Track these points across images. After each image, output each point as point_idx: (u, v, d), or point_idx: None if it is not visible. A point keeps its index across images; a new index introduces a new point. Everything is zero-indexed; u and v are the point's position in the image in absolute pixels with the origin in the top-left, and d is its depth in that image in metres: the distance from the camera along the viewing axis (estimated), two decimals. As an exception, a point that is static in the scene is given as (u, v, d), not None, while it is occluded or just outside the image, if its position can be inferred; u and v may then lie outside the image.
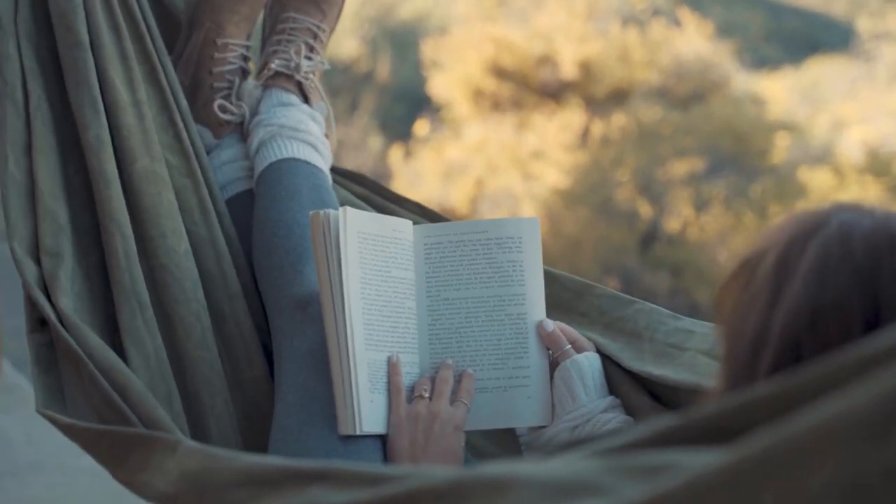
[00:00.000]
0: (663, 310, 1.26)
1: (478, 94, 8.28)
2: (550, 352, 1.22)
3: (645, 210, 7.65)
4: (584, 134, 8.08)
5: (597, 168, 7.81)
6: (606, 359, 1.22)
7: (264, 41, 1.59)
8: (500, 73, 8.27)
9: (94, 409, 1.19)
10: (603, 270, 7.31)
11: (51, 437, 3.08)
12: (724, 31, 9.02)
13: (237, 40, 1.53)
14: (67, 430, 1.16)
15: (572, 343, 1.21)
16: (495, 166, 7.86)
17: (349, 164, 7.83)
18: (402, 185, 7.79)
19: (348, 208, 1.19)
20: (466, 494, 0.53)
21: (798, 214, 0.71)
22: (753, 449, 0.43)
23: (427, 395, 1.19)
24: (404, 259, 1.24)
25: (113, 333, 1.28)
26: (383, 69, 8.91)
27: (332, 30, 1.59)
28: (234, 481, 0.81)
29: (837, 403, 0.41)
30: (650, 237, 7.68)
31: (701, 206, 7.63)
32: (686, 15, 8.92)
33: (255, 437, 1.31)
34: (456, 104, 8.37)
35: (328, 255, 1.17)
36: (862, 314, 0.64)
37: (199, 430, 1.28)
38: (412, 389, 1.21)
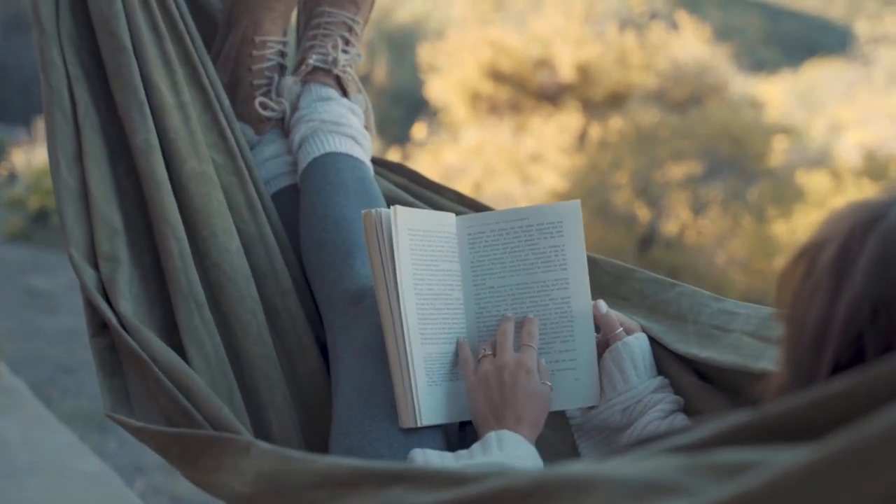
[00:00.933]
0: (705, 292, 1.27)
1: (475, 98, 8.29)
2: (600, 334, 1.23)
3: (642, 213, 7.66)
4: (582, 137, 8.08)
5: (594, 171, 7.82)
6: (652, 340, 1.22)
7: (300, 37, 1.60)
8: (497, 76, 8.28)
9: (161, 411, 1.19)
10: (600, 273, 7.31)
11: (48, 440, 3.09)
12: (722, 34, 9.04)
13: (274, 37, 1.54)
14: (138, 433, 1.16)
15: (621, 324, 1.22)
16: (493, 169, 7.87)
17: (347, 167, 7.85)
18: (399, 188, 7.80)
19: (398, 207, 1.20)
20: (551, 494, 0.53)
21: (857, 204, 0.71)
22: (837, 447, 0.43)
23: (490, 351, 1.20)
24: (450, 251, 1.26)
25: (172, 334, 1.29)
26: (381, 72, 8.91)
27: (367, 22, 1.59)
28: (311, 482, 0.82)
29: None
30: (648, 240, 7.68)
31: (698, 209, 7.64)
32: (683, 18, 8.92)
33: (314, 429, 1.32)
34: (453, 107, 8.37)
35: (381, 252, 1.19)
36: None
37: (259, 425, 1.29)
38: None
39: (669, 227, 7.63)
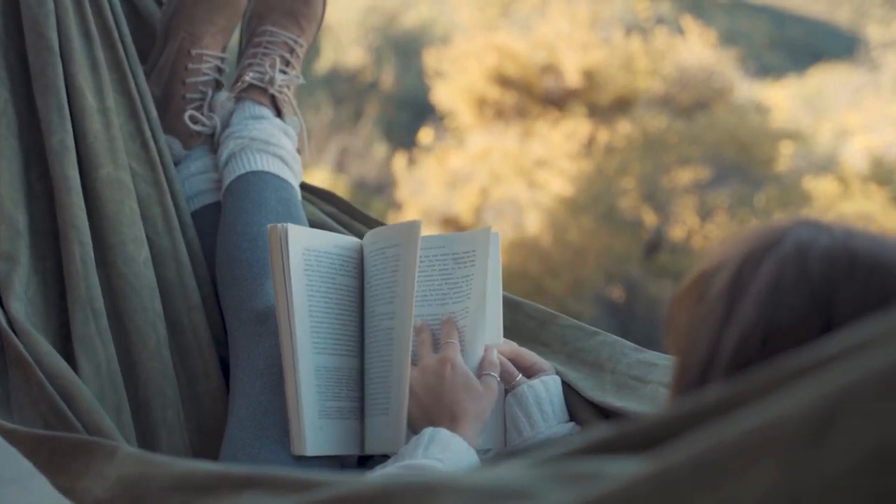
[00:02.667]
0: (626, 342, 1.25)
1: (481, 103, 8.29)
2: (500, 381, 1.20)
3: (649, 218, 7.64)
4: (589, 142, 8.08)
5: (601, 176, 7.81)
6: (567, 386, 1.21)
7: (240, 54, 1.58)
8: (503, 81, 8.27)
9: (41, 416, 1.17)
10: (607, 279, 7.31)
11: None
12: (728, 39, 9.02)
13: (212, 51, 1.52)
14: (9, 436, 1.13)
15: (531, 366, 1.20)
16: (499, 175, 7.86)
17: (353, 171, 7.85)
18: (406, 193, 7.80)
19: (290, 225, 1.19)
20: (394, 499, 0.53)
21: (755, 228, 0.68)
22: (680, 456, 0.42)
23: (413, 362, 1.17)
24: (352, 270, 1.24)
25: (66, 341, 1.26)
26: (388, 78, 8.92)
27: (310, 45, 1.57)
28: (168, 486, 0.81)
29: (770, 409, 0.40)
30: (654, 246, 7.67)
31: (705, 214, 7.62)
32: (689, 23, 8.92)
33: (208, 450, 1.30)
34: (460, 113, 8.37)
35: (282, 266, 1.18)
36: (817, 337, 0.61)
37: (148, 442, 1.27)
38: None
39: (676, 233, 7.62)
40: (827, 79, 8.96)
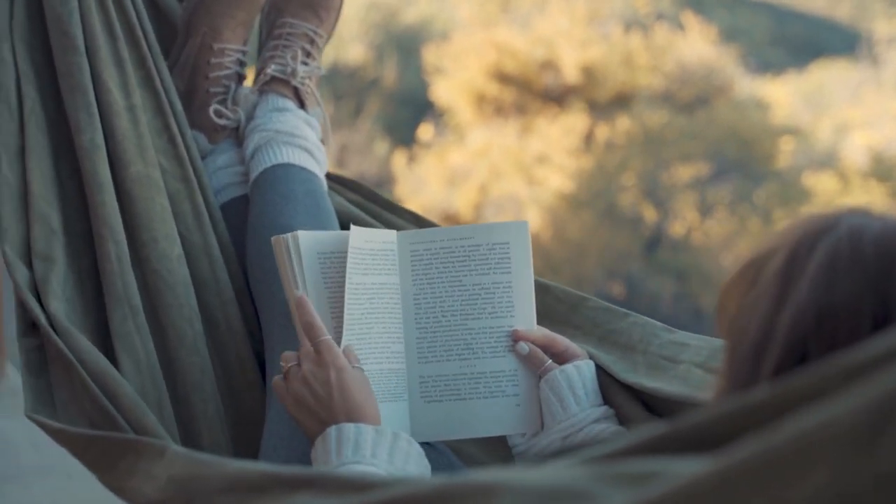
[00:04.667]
0: (657, 323, 1.26)
1: (481, 100, 8.29)
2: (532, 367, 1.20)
3: (649, 215, 7.65)
4: (588, 138, 8.08)
5: (601, 173, 7.81)
6: (600, 369, 1.21)
7: (261, 46, 1.58)
8: (503, 77, 8.27)
9: (85, 415, 1.18)
10: (607, 275, 7.31)
11: (55, 442, 3.09)
12: (728, 35, 9.02)
13: (233, 45, 1.53)
14: (56, 435, 1.15)
15: (563, 351, 1.20)
16: (499, 171, 7.86)
17: (354, 168, 7.84)
18: (405, 190, 7.80)
19: (299, 232, 1.16)
20: (452, 500, 0.53)
21: (807, 217, 0.70)
22: (739, 458, 0.43)
23: (293, 362, 1.11)
24: (384, 266, 1.21)
25: (104, 338, 1.27)
26: (388, 74, 8.92)
27: (330, 35, 1.58)
28: (221, 487, 0.81)
29: (824, 411, 0.40)
30: (654, 242, 7.67)
31: (705, 210, 7.62)
32: (689, 19, 8.92)
33: (247, 443, 1.30)
34: (459, 109, 8.37)
35: (297, 275, 1.15)
36: (871, 316, 0.63)
37: (189, 436, 1.27)
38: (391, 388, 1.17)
39: (676, 229, 7.62)
40: (827, 75, 8.97)
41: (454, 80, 8.45)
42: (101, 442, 1.07)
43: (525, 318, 1.21)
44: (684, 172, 7.72)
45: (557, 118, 8.15)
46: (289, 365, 1.11)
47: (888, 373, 0.41)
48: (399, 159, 8.26)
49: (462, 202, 7.69)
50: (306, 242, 1.15)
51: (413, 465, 1.04)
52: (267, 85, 1.51)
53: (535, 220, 7.30)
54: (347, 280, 1.14)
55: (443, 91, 8.48)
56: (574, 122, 8.08)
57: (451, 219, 7.42)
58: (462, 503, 0.52)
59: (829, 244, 0.66)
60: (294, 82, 1.51)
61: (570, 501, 0.47)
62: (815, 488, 0.39)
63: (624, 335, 1.25)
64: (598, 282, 7.10)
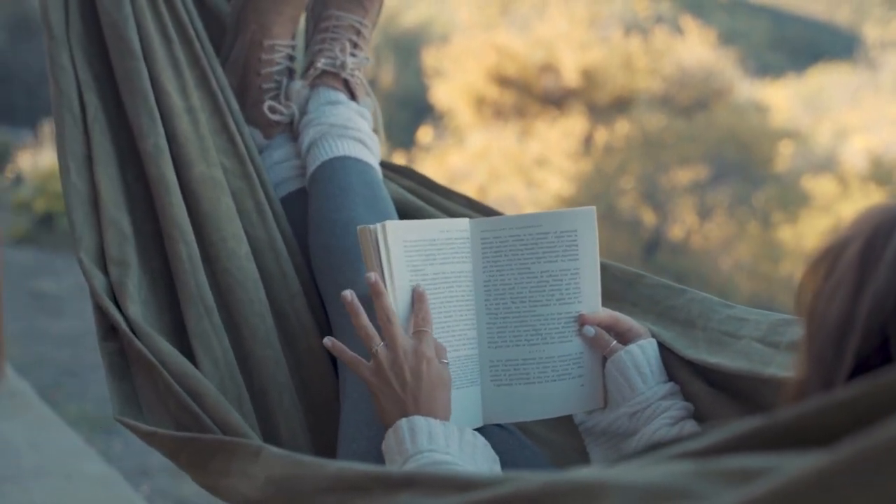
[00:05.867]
0: (715, 298, 1.26)
1: (480, 102, 8.29)
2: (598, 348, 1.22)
3: (648, 218, 7.66)
4: (587, 141, 8.08)
5: (600, 175, 7.82)
6: (661, 346, 1.21)
7: (308, 40, 1.59)
8: (502, 80, 8.28)
9: (171, 415, 1.19)
10: (606, 278, 7.30)
11: (54, 443, 3.09)
12: (728, 38, 9.03)
13: (283, 41, 1.54)
14: (148, 438, 1.16)
15: (627, 331, 1.20)
16: (498, 174, 7.87)
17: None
18: (405, 192, 7.80)
19: (388, 222, 1.17)
20: (561, 499, 0.53)
21: (881, 205, 0.71)
22: (849, 453, 0.43)
23: (383, 343, 1.12)
24: (459, 254, 1.23)
25: (181, 339, 1.28)
26: (387, 77, 8.92)
27: (375, 25, 1.59)
28: (321, 487, 0.81)
29: None
30: (653, 245, 7.68)
31: (704, 213, 7.63)
32: (689, 23, 8.92)
33: (323, 432, 1.32)
34: (458, 112, 8.38)
35: (384, 264, 1.16)
36: None
37: (268, 428, 1.29)
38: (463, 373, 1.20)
39: (675, 232, 7.63)
40: (826, 78, 8.97)
41: (453, 83, 8.46)
42: (193, 444, 1.08)
43: (591, 303, 1.22)
44: (683, 176, 7.73)
45: (557, 121, 8.16)
46: (375, 347, 1.12)
47: None
48: (398, 161, 8.26)
49: (461, 205, 7.69)
50: (393, 232, 1.17)
51: (481, 456, 1.06)
52: (318, 79, 1.53)
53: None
54: (425, 270, 1.18)
55: (442, 94, 8.49)
56: (573, 124, 8.08)
57: (450, 221, 7.42)
58: (566, 501, 0.52)
59: None
60: (344, 74, 1.52)
61: (676, 500, 0.48)
62: None
63: (683, 311, 1.26)
64: (596, 284, 7.09)
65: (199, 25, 1.45)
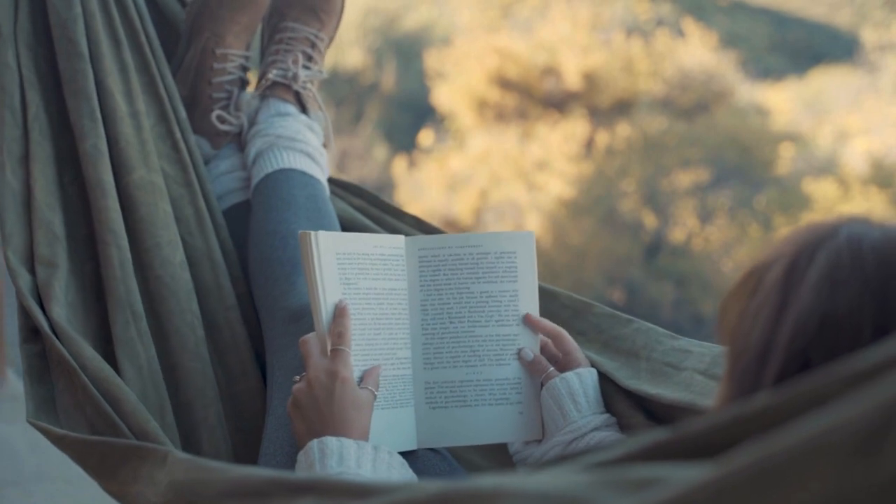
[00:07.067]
0: (660, 329, 1.26)
1: (482, 105, 8.29)
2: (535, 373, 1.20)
3: (649, 221, 7.65)
4: (589, 144, 8.08)
5: (601, 179, 7.81)
6: (602, 376, 1.21)
7: (263, 51, 1.58)
8: (504, 83, 8.28)
9: (87, 421, 1.17)
10: (607, 281, 7.31)
11: (55, 447, 3.08)
12: (728, 41, 9.03)
13: (236, 50, 1.53)
14: (59, 442, 1.14)
15: (567, 353, 1.20)
16: (499, 177, 7.87)
17: (354, 174, 7.84)
18: (405, 195, 7.80)
19: (321, 232, 1.15)
20: None
21: (806, 226, 0.70)
22: (740, 463, 0.42)
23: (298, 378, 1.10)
24: (393, 271, 1.20)
25: (106, 344, 1.27)
26: (388, 79, 8.93)
27: (331, 39, 1.58)
28: (222, 492, 0.80)
29: (826, 417, 0.40)
30: (655, 248, 7.67)
31: (705, 216, 7.62)
32: (690, 25, 8.92)
33: (248, 449, 1.30)
34: (460, 115, 8.38)
35: (316, 273, 1.14)
36: (872, 324, 0.63)
37: (191, 442, 1.27)
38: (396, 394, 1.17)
39: (676, 235, 7.62)
40: (827, 81, 8.97)
41: (455, 86, 8.46)
42: (103, 448, 1.07)
43: (530, 327, 1.21)
44: (684, 178, 7.72)
45: (558, 124, 8.16)
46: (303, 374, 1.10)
47: (889, 380, 0.41)
48: (399, 165, 8.26)
49: (462, 208, 7.69)
50: (325, 242, 1.15)
51: (397, 475, 1.03)
52: (269, 90, 1.51)
53: (535, 225, 7.30)
54: (357, 285, 1.15)
55: (443, 96, 8.48)
56: (575, 127, 8.08)
57: (452, 224, 7.42)
58: None
59: (829, 252, 0.66)
60: (296, 87, 1.51)
61: None
62: (815, 496, 0.39)
63: (627, 341, 1.25)
64: (598, 288, 7.10)
65: (151, 30, 1.43)
